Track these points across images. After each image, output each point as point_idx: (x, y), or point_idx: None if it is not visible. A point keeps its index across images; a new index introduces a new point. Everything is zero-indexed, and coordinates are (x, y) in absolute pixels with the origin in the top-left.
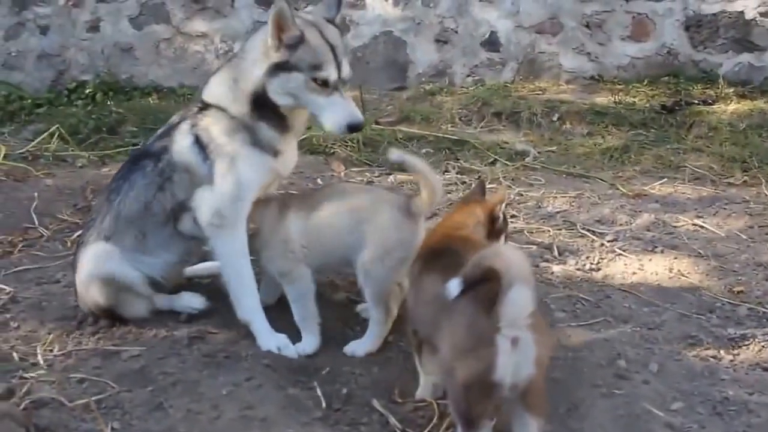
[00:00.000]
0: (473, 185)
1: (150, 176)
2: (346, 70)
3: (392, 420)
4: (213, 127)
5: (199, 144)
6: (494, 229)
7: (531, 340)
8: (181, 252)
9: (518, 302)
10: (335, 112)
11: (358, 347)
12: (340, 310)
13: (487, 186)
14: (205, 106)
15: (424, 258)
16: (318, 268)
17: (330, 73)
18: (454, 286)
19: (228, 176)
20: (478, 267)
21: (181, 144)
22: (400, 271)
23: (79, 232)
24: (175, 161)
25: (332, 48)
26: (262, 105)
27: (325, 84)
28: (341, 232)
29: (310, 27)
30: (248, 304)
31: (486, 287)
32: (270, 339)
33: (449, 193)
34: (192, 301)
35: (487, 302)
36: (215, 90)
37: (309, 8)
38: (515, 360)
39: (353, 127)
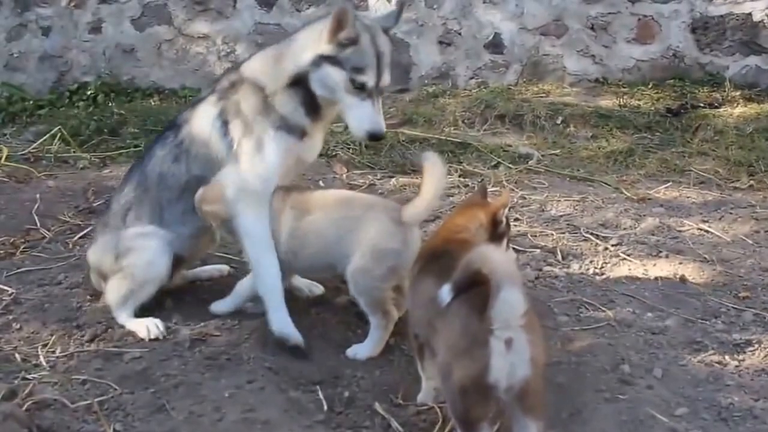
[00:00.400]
0: (475, 188)
1: (168, 147)
2: (385, 80)
3: (394, 424)
4: (243, 103)
5: (222, 119)
6: (497, 232)
7: (525, 341)
8: (197, 226)
9: (509, 303)
10: (362, 117)
11: (359, 351)
12: (341, 313)
13: (490, 189)
14: (240, 81)
15: (423, 260)
16: (303, 269)
17: (369, 79)
18: (445, 292)
19: (255, 157)
20: (466, 272)
21: (204, 116)
22: (391, 279)
23: (81, 234)
24: (194, 133)
25: (378, 56)
26: (297, 88)
27: (361, 88)
28: (328, 241)
29: (366, 32)
30: (269, 282)
31: (478, 290)
32: (279, 320)
33: (451, 196)
34: (139, 330)
35: (480, 305)
36: (257, 65)
37: (311, 9)
38: (510, 361)
39: (374, 136)
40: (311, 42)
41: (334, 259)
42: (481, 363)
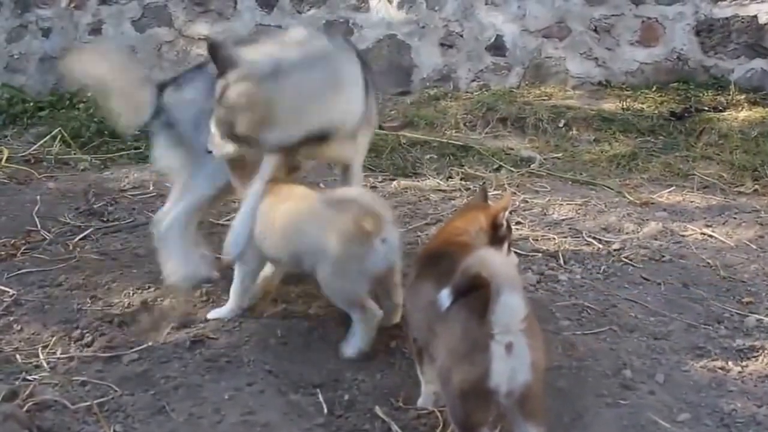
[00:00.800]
0: (477, 191)
1: None
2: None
3: (394, 427)
4: None
5: None
6: (497, 235)
7: (525, 345)
8: None
9: (509, 307)
10: None
11: (348, 348)
12: (340, 315)
13: (492, 193)
14: None
15: (421, 264)
16: (271, 258)
17: None
18: (444, 296)
19: None
20: (465, 276)
21: None
22: (362, 281)
23: (82, 236)
24: None
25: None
26: None
27: None
28: (287, 236)
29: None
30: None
31: (478, 294)
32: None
33: (453, 199)
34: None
35: (480, 309)
36: None
37: (311, 11)
38: (510, 365)
39: None
40: None
41: (298, 255)
42: (482, 368)
